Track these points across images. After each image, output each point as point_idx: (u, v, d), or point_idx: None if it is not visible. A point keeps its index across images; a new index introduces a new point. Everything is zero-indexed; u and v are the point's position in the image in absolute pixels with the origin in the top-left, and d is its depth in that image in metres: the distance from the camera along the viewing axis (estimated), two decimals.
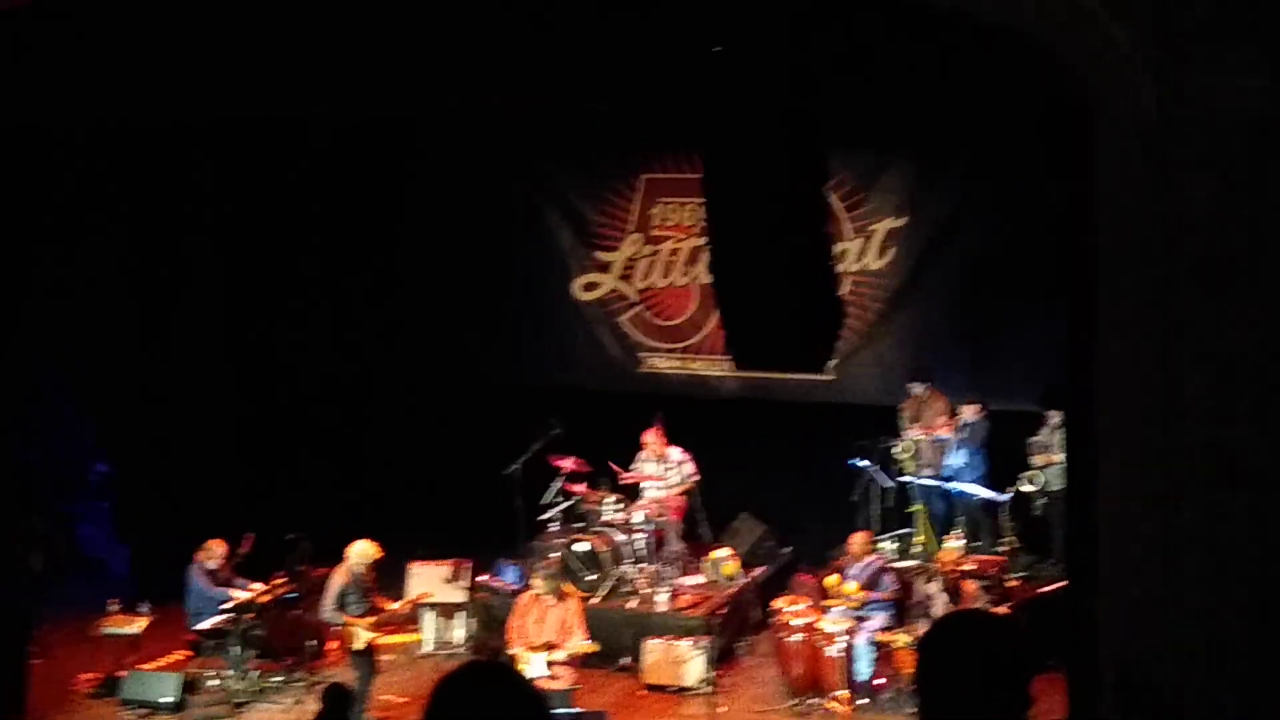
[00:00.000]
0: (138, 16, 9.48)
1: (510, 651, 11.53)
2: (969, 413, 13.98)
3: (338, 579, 11.68)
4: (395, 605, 12.17)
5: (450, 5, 9.41)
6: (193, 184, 15.09)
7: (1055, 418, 13.34)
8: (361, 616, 11.63)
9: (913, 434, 14.30)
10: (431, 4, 9.47)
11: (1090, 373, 7.41)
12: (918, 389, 14.32)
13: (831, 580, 12.33)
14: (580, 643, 11.29)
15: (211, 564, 12.69)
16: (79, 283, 14.64)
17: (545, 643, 11.28)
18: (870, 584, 12.08)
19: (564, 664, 11.14)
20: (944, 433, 14.04)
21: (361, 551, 11.69)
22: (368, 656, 11.66)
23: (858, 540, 12.41)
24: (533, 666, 11.08)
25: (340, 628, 11.69)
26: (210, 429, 15.16)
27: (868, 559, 12.31)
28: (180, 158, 14.68)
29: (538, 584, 11.61)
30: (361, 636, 11.54)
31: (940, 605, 10.79)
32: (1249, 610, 6.55)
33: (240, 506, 14.27)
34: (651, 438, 14.07)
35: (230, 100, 11.01)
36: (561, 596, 11.57)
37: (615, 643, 12.41)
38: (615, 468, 14.04)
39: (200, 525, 13.28)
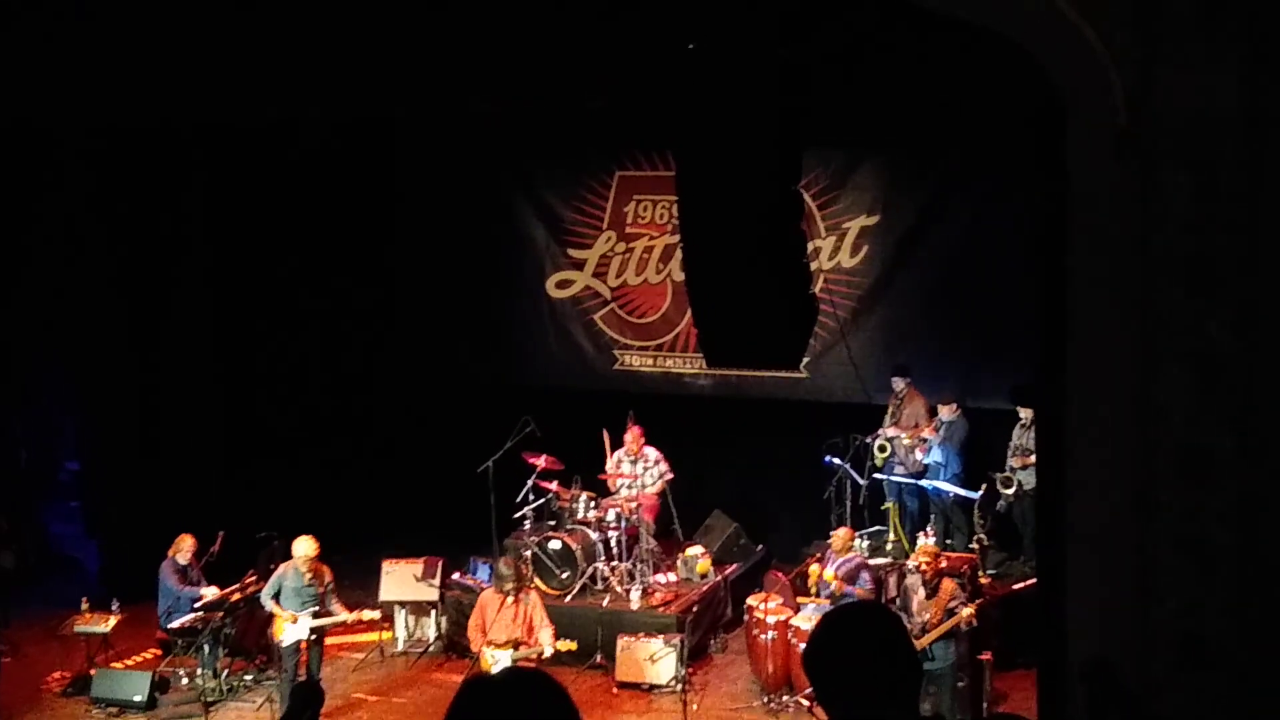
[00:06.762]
0: (129, 18, 9.45)
1: (475, 650, 11.49)
2: (946, 412, 13.99)
3: (279, 569, 11.64)
4: (360, 614, 11.99)
5: (428, 3, 9.40)
6: (181, 185, 15.00)
7: (1025, 417, 13.36)
8: (300, 611, 11.48)
9: (890, 432, 14.29)
10: (409, 4, 9.46)
11: (1063, 371, 7.43)
12: (899, 384, 14.32)
13: (814, 569, 12.29)
14: (559, 641, 11.29)
15: (182, 559, 12.62)
16: (67, 283, 14.56)
17: (511, 640, 11.25)
18: (849, 580, 12.07)
19: (533, 662, 11.12)
20: (927, 434, 14.03)
21: (301, 549, 11.54)
22: (294, 655, 11.50)
23: (840, 536, 12.36)
24: (499, 664, 11.06)
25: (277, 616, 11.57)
26: (185, 428, 15.08)
27: (848, 555, 12.30)
28: (170, 158, 14.60)
29: (497, 580, 11.58)
30: (284, 630, 11.42)
31: (917, 602, 10.78)
32: (1229, 609, 6.57)
33: (212, 505, 14.22)
34: (629, 437, 14.12)
35: (218, 103, 10.99)
36: (523, 592, 11.55)
37: (588, 640, 12.41)
38: (593, 495, 13.98)
39: (172, 524, 13.22)
